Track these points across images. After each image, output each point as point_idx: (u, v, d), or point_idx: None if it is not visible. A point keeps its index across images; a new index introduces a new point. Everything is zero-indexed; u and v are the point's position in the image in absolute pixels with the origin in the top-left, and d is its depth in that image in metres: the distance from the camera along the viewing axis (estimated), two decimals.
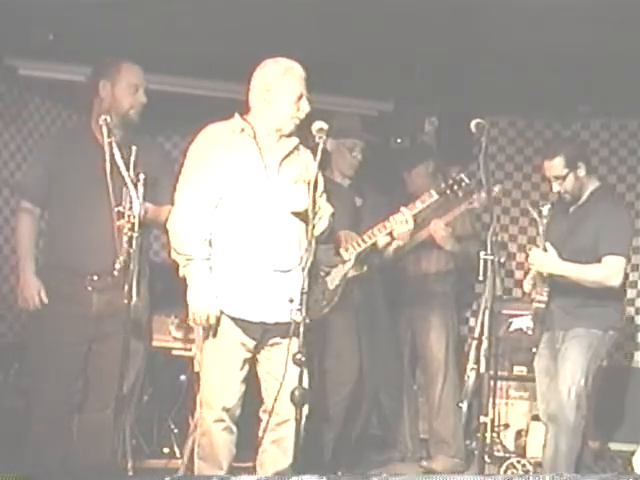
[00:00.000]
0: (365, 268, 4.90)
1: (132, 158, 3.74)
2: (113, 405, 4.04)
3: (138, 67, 4.21)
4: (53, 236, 4.20)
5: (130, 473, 4.72)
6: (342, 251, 4.81)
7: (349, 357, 5.04)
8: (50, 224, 4.23)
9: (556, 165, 4.59)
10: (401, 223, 4.60)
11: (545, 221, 4.55)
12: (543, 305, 4.58)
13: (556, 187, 4.63)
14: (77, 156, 4.12)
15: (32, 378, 4.31)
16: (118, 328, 3.90)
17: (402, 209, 4.61)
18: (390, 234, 4.68)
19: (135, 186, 3.72)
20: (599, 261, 4.47)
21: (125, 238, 3.75)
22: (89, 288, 4.09)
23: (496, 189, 5.15)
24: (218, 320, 3.87)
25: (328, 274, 4.77)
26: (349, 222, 4.86)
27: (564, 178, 4.58)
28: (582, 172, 4.61)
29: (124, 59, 4.20)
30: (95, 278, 4.08)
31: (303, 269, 3.71)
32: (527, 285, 4.75)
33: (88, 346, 4.13)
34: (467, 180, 4.72)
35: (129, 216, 3.75)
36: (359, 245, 4.79)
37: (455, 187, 4.70)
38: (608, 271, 4.47)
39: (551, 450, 4.51)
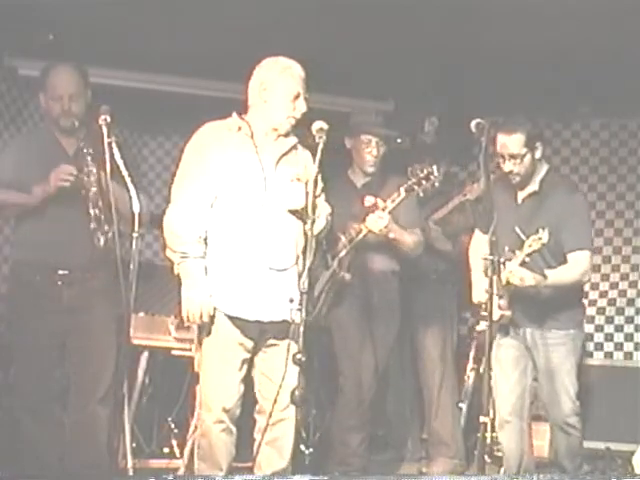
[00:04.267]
0: (346, 274, 4.81)
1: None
2: (93, 403, 4.12)
3: (66, 76, 4.23)
4: (23, 232, 4.27)
5: (130, 473, 4.72)
6: (328, 257, 4.80)
7: (365, 360, 4.97)
8: (19, 221, 4.29)
9: (515, 142, 4.24)
10: (375, 222, 4.66)
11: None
12: (509, 313, 4.31)
13: (509, 166, 4.28)
14: (44, 158, 4.19)
15: (15, 372, 4.41)
16: (91, 323, 4.11)
17: (377, 211, 4.67)
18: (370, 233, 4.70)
19: (135, 185, 3.74)
20: (564, 256, 4.29)
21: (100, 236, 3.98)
22: (59, 282, 4.15)
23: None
24: (212, 318, 3.86)
25: (316, 280, 4.72)
26: (353, 223, 4.83)
27: (521, 158, 4.28)
28: (539, 154, 4.35)
29: (53, 67, 4.26)
30: (65, 273, 4.15)
31: (303, 268, 3.72)
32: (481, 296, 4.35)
33: (62, 341, 4.19)
34: (436, 173, 4.67)
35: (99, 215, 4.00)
36: (341, 250, 4.78)
37: (424, 182, 4.66)
38: (581, 268, 4.32)
39: (565, 455, 4.47)
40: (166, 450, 5.33)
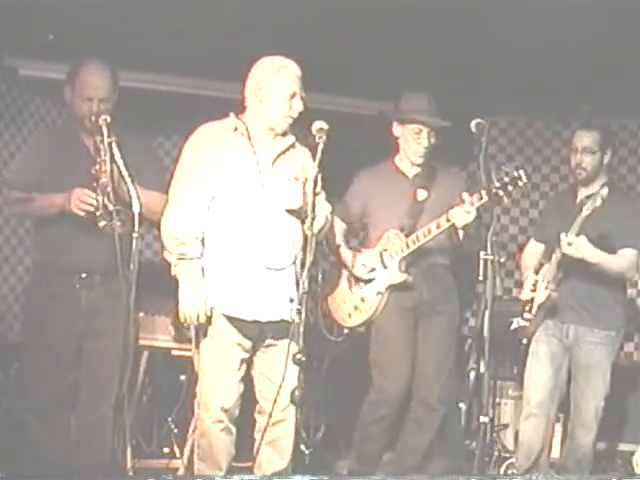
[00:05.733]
0: (407, 277, 4.55)
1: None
2: (106, 406, 4.07)
3: (97, 77, 4.14)
4: (43, 234, 4.25)
5: (130, 473, 4.72)
6: (386, 255, 4.61)
7: (397, 370, 4.60)
8: (39, 222, 4.27)
9: (592, 137, 4.55)
10: (462, 216, 4.31)
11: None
12: (556, 294, 4.54)
13: (579, 159, 4.55)
14: (63, 154, 4.16)
15: (25, 374, 4.38)
16: (108, 326, 4.05)
17: (465, 205, 4.29)
18: (452, 228, 4.40)
19: (134, 185, 3.74)
20: (614, 253, 4.46)
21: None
22: (77, 286, 4.14)
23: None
24: (209, 320, 3.86)
25: (369, 281, 4.61)
26: (407, 218, 4.61)
27: (593, 154, 4.54)
28: (607, 159, 4.60)
29: (84, 65, 4.17)
30: (83, 276, 4.13)
31: (302, 268, 3.72)
32: (530, 287, 4.68)
33: (79, 344, 4.17)
34: (524, 179, 4.27)
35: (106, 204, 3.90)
36: (402, 250, 4.56)
37: (509, 187, 4.26)
38: (628, 262, 4.50)
39: (579, 454, 4.54)
40: (166, 450, 5.33)
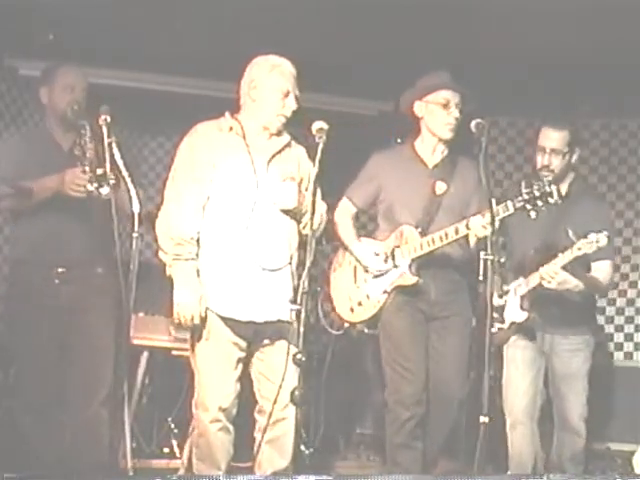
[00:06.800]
0: (417, 279, 4.32)
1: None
2: (96, 404, 4.10)
3: (75, 69, 4.27)
4: (20, 231, 4.27)
5: (130, 473, 4.72)
6: (398, 253, 4.39)
7: (415, 371, 4.37)
8: (16, 219, 4.28)
9: (561, 138, 4.31)
10: (483, 228, 4.03)
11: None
12: (534, 314, 4.39)
13: (547, 160, 4.29)
14: (39, 154, 4.19)
15: (18, 374, 4.40)
16: (92, 322, 4.10)
17: (487, 215, 3.92)
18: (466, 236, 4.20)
19: (134, 185, 3.74)
20: (588, 264, 4.33)
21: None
22: (56, 281, 4.14)
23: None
24: (203, 320, 3.85)
25: (377, 277, 4.44)
26: (423, 214, 4.36)
27: (562, 155, 4.32)
28: (574, 158, 4.40)
29: (62, 64, 4.27)
30: (61, 270, 4.14)
31: (301, 268, 3.72)
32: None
33: (61, 340, 4.17)
34: (555, 196, 3.95)
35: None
36: (415, 250, 4.32)
37: (538, 202, 3.98)
38: (606, 277, 4.40)
39: (570, 460, 4.47)
40: (166, 450, 5.33)
